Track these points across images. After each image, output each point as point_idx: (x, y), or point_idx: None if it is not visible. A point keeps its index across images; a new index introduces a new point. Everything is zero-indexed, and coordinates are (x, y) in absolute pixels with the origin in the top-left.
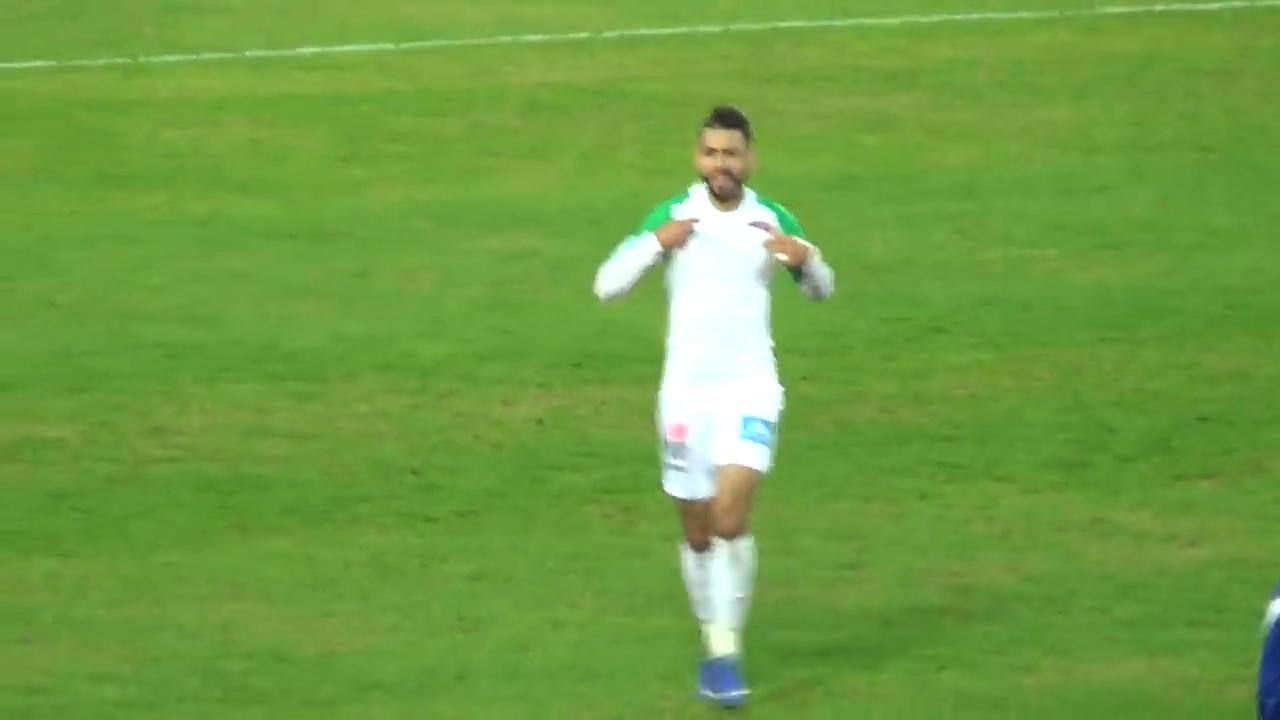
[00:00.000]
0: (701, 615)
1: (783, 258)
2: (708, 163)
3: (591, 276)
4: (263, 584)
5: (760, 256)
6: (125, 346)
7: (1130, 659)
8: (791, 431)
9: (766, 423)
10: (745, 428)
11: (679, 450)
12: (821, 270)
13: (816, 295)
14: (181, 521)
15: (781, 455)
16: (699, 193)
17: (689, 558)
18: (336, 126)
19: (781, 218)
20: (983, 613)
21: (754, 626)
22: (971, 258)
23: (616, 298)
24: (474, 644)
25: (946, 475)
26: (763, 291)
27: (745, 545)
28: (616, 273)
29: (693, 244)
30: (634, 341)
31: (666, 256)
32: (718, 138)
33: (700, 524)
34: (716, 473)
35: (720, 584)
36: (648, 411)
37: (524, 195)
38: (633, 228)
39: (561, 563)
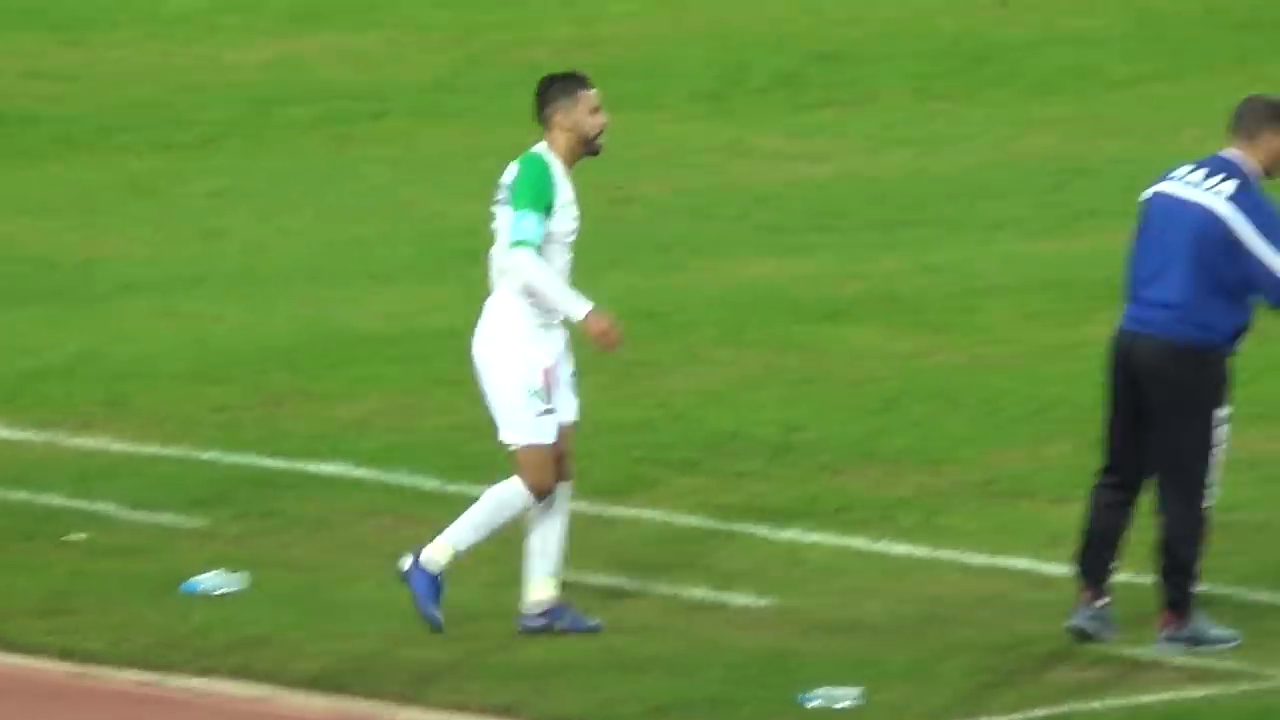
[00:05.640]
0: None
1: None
2: (599, 120)
3: None
4: (38, 202)
5: None
6: None
7: (764, 258)
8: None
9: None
10: (573, 383)
11: (549, 394)
12: None
13: None
14: None
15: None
16: (546, 150)
17: (536, 508)
18: None
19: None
20: (642, 221)
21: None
22: None
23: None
24: (214, 252)
25: (611, 107)
26: None
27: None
28: (540, 291)
29: (568, 211)
30: None
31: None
32: (598, 96)
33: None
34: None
35: (559, 526)
36: (362, 57)
37: None
38: (532, 198)
39: (287, 182)
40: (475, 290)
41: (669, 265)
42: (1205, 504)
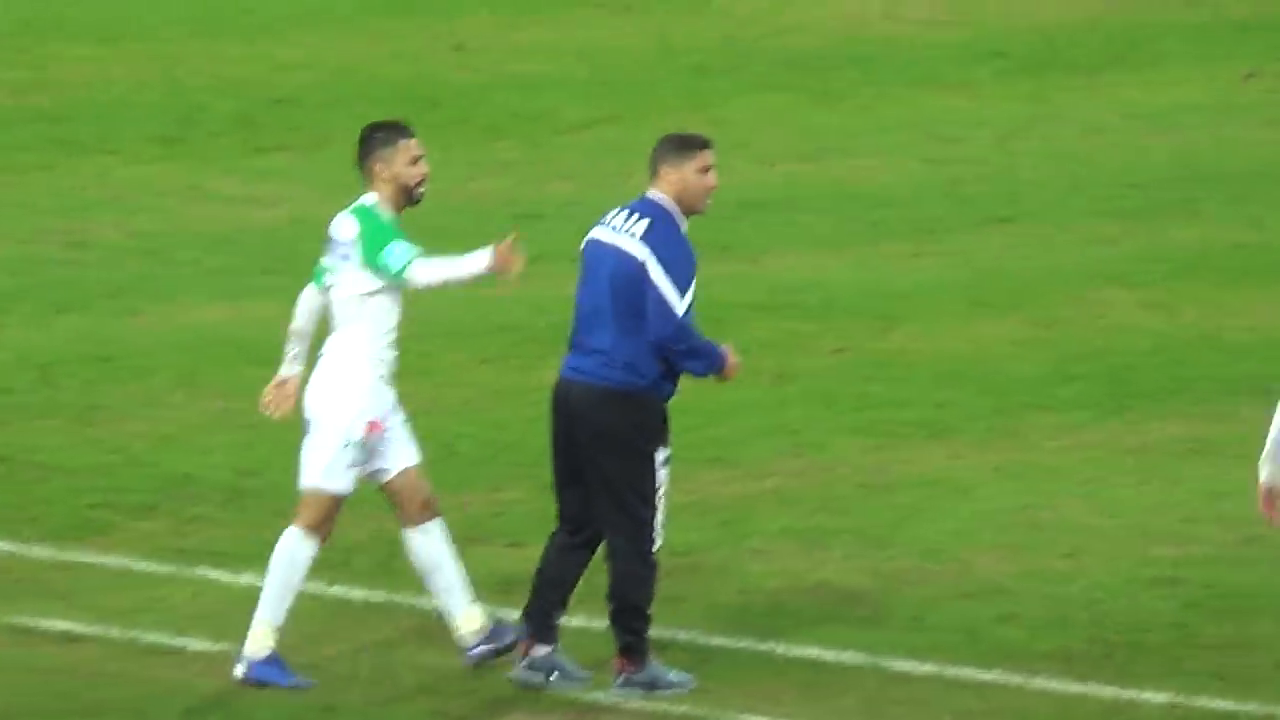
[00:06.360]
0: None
1: None
2: (419, 170)
3: None
4: None
5: None
6: None
7: (219, 302)
8: None
9: None
10: (407, 428)
11: (366, 449)
12: None
13: None
14: None
15: None
16: (375, 202)
17: (311, 550)
18: None
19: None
20: (96, 265)
21: None
22: None
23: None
24: None
25: (65, 150)
26: None
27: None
28: (451, 279)
29: None
30: None
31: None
32: (420, 145)
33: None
34: (390, 470)
35: (453, 559)
36: None
37: None
38: (389, 234)
39: None
40: None
41: (124, 309)
42: (653, 548)
